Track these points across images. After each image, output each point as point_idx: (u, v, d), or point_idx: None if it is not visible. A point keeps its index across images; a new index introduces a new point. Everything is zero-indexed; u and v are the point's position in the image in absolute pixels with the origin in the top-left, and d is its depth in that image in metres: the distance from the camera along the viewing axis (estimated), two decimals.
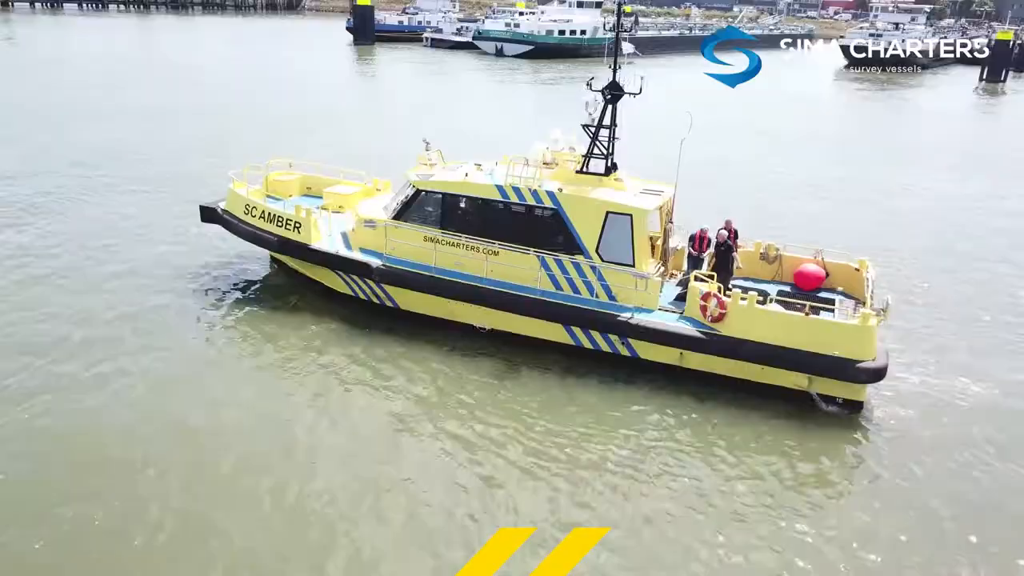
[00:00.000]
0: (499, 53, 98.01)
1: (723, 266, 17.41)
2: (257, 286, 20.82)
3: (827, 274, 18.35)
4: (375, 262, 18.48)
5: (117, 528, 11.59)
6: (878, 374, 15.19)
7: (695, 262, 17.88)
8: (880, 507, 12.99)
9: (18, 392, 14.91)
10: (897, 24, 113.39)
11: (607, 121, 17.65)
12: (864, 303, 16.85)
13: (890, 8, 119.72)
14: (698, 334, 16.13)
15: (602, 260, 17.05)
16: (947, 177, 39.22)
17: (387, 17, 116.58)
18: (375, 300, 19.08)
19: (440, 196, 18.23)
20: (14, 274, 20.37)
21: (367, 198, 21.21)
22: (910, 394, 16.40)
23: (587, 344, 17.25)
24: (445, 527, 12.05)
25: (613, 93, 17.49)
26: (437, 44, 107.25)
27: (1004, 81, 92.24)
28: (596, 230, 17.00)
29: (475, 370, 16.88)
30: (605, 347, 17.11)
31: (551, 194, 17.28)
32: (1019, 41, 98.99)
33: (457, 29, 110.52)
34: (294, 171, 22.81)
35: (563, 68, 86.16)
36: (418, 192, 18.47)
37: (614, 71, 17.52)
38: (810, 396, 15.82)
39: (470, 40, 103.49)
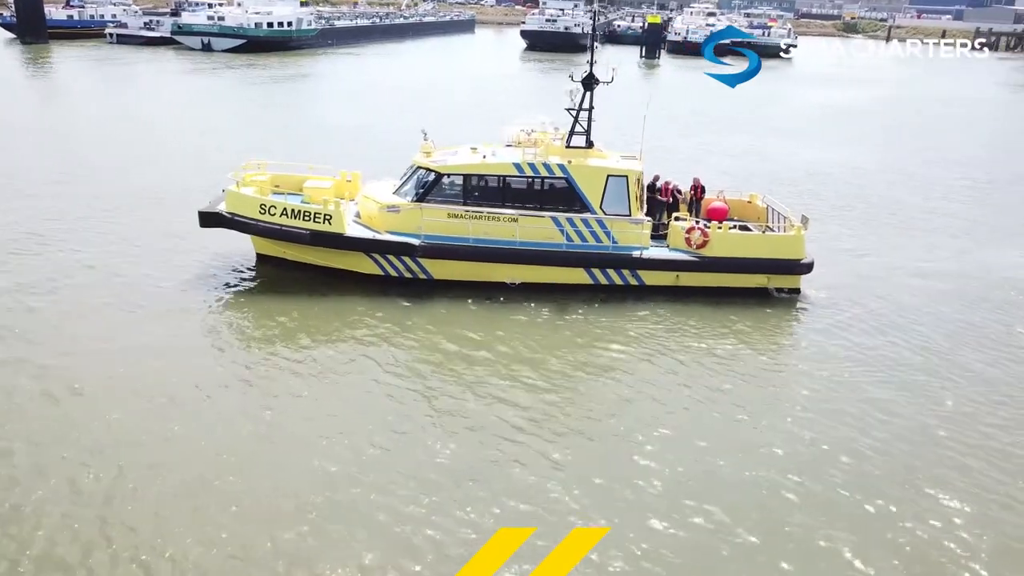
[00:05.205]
0: (207, 48, 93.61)
1: (692, 207, 23.20)
2: (261, 283, 21.97)
3: (728, 208, 24.91)
4: (414, 241, 21.12)
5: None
6: (809, 267, 22.03)
7: (659, 206, 23.30)
8: (815, 349, 19.51)
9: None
10: (563, 10, 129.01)
11: (586, 105, 22.27)
12: (777, 223, 23.68)
13: None
14: (691, 258, 21.67)
15: (605, 214, 21.72)
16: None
17: (53, 12, 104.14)
18: (408, 275, 21.65)
19: (462, 177, 21.43)
20: None
21: (360, 189, 23.34)
22: (828, 277, 23.32)
23: (603, 281, 21.86)
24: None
25: (593, 83, 22.17)
26: (125, 40, 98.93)
27: (658, 57, 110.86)
28: (600, 191, 21.60)
29: (493, 327, 19.32)
30: (618, 280, 21.87)
31: (561, 166, 21.48)
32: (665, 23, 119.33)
33: (146, 23, 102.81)
34: (265, 171, 23.86)
35: (293, 62, 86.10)
36: (440, 176, 21.43)
37: (591, 65, 22.15)
38: (767, 290, 22.24)
39: (168, 35, 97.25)
